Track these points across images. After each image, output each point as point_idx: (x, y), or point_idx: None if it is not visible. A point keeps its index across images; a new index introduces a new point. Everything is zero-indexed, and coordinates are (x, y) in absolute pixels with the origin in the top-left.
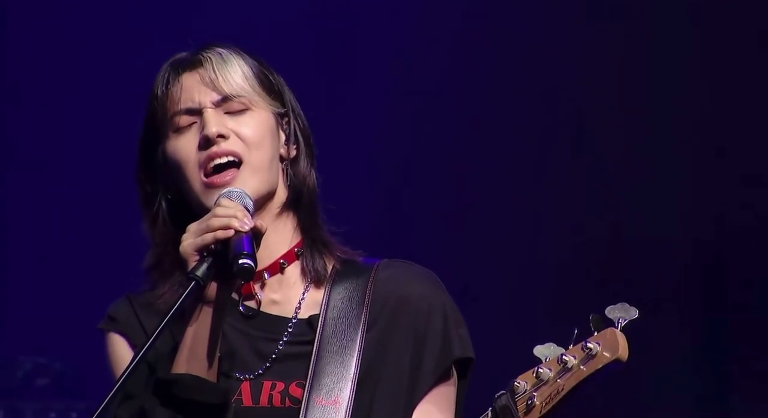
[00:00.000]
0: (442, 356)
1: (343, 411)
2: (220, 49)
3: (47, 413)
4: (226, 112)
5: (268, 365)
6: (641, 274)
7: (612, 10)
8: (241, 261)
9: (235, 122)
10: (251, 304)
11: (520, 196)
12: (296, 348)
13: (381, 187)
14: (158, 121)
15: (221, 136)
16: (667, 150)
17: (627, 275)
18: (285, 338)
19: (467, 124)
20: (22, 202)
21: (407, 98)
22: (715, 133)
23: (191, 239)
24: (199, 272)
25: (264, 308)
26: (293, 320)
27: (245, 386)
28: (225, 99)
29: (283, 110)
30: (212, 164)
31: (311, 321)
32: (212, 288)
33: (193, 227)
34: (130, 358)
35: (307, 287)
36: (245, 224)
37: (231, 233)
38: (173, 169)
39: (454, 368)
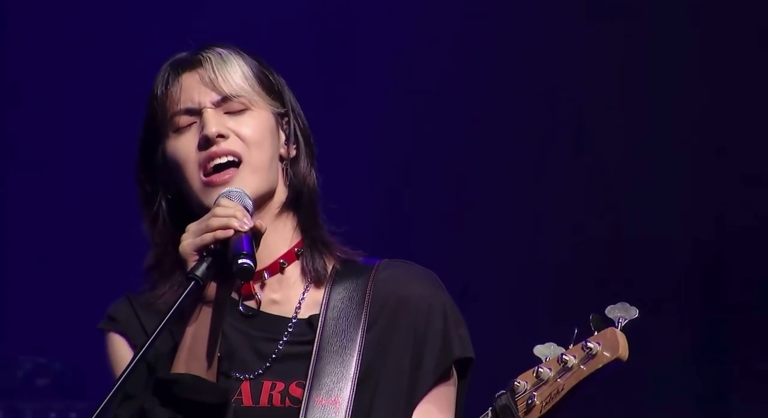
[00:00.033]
0: (442, 356)
1: (343, 411)
2: (219, 49)
3: (47, 413)
4: (226, 112)
5: (268, 364)
6: (641, 274)
7: (612, 10)
8: (240, 261)
9: (234, 122)
10: (251, 304)
11: (520, 196)
12: (296, 348)
13: (381, 187)
14: (158, 121)
15: (221, 136)
16: (667, 150)
17: (627, 275)
18: (285, 338)
19: (467, 124)
20: (22, 202)
21: (407, 98)
22: (715, 133)
23: (191, 239)
24: (199, 272)
25: (264, 308)
26: (293, 320)
27: (245, 386)
28: (225, 99)
29: (283, 110)
30: (212, 164)
31: (311, 321)
32: (212, 288)
33: (192, 227)
34: (130, 358)
35: (307, 287)
36: (245, 223)
37: (230, 232)
38: (173, 169)
39: (454, 368)
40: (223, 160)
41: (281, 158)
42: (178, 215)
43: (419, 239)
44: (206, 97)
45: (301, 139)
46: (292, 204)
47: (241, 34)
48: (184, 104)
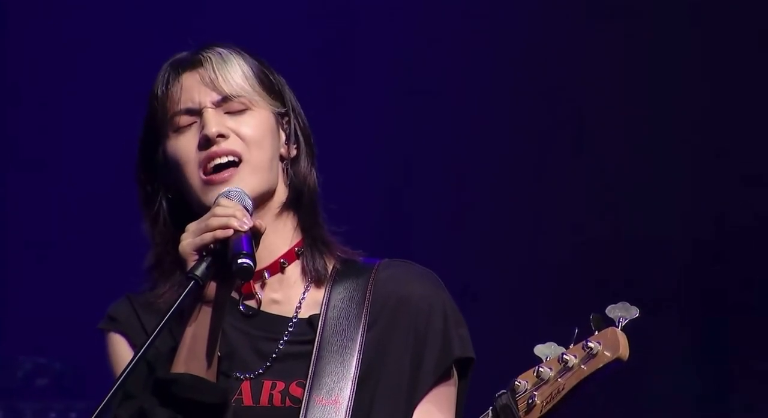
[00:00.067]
0: (443, 356)
1: (344, 411)
2: (220, 49)
3: (47, 413)
4: (226, 112)
5: (268, 364)
6: (641, 274)
7: (612, 10)
8: (240, 261)
9: (235, 122)
10: (251, 303)
11: (520, 196)
12: (296, 348)
13: (381, 187)
14: (158, 121)
15: (221, 135)
16: (667, 150)
17: (627, 275)
18: (285, 338)
19: (467, 124)
20: (22, 202)
21: (407, 98)
22: (715, 133)
23: (190, 239)
24: (198, 272)
25: (264, 308)
26: (293, 320)
27: (245, 386)
28: (225, 99)
29: (283, 110)
30: (212, 164)
31: (312, 321)
32: (212, 288)
33: (192, 227)
34: (130, 358)
35: (307, 287)
36: (244, 223)
37: (230, 232)
38: (173, 169)
39: (454, 368)
40: (224, 159)
41: (281, 158)
42: (179, 215)
43: (419, 239)
44: (206, 97)
45: (301, 138)
46: (292, 204)
47: (241, 34)
48: (184, 104)
